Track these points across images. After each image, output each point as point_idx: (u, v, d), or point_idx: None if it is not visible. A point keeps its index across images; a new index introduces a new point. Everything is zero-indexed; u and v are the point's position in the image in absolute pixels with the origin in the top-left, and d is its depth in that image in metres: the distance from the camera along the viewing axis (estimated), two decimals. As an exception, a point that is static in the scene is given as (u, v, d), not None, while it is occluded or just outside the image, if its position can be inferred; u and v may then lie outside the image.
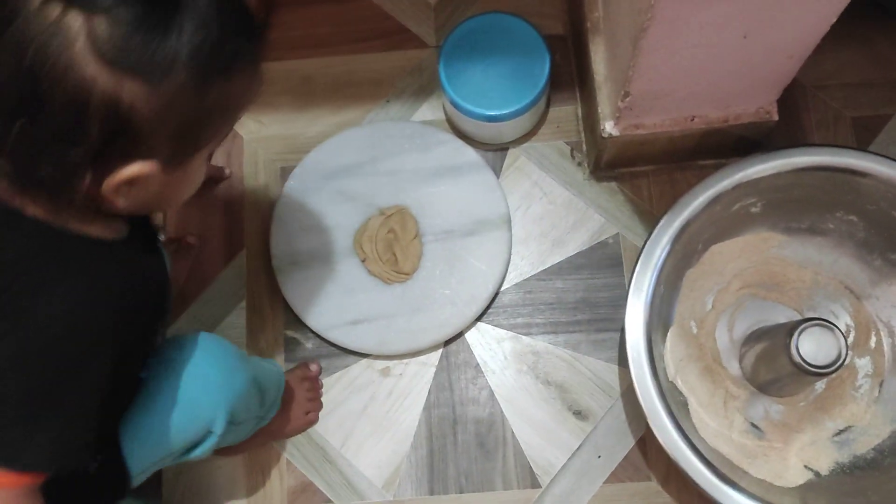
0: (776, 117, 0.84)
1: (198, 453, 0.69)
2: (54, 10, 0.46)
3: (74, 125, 0.48)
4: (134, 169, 0.51)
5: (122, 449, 0.65)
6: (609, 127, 0.84)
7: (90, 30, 0.46)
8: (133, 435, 0.65)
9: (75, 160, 0.49)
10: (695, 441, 0.78)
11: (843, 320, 0.88)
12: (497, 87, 0.90)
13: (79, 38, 0.46)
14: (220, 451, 0.79)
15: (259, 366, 0.78)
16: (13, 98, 0.47)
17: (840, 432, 0.85)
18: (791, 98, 0.95)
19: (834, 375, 0.86)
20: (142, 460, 0.66)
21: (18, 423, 0.54)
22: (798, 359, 0.75)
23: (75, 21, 0.46)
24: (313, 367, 0.91)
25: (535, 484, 0.88)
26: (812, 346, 0.75)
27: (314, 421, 0.90)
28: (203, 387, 0.67)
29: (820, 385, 0.86)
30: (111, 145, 0.49)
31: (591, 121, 0.91)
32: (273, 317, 0.94)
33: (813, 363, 0.74)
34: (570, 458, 0.88)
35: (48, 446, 0.55)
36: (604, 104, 0.85)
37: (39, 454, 0.54)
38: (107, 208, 0.54)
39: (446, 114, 0.98)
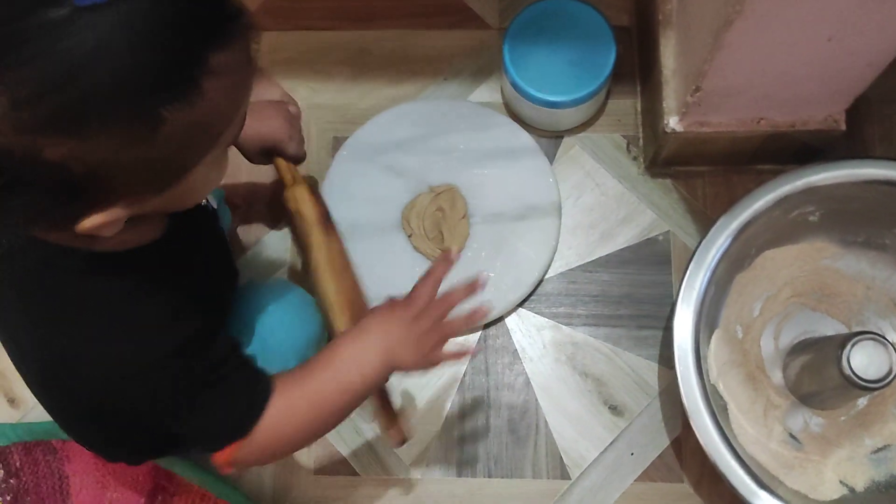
0: (843, 127, 0.83)
1: None
2: None
3: (6, 185, 0.42)
4: (94, 220, 0.46)
5: None
6: (673, 122, 0.83)
7: None
8: None
9: (23, 213, 0.45)
10: (734, 446, 0.77)
11: (891, 338, 0.86)
12: (559, 74, 0.89)
13: None
14: None
15: None
16: None
17: (878, 450, 0.84)
18: (856, 110, 0.93)
19: (877, 392, 0.85)
20: None
21: (94, 425, 0.61)
22: (849, 371, 0.74)
23: None
24: None
25: (564, 475, 0.87)
26: (863, 360, 0.74)
27: None
28: (276, 336, 0.69)
29: (862, 401, 0.85)
30: (61, 200, 0.44)
31: (651, 115, 0.90)
32: (314, 285, 0.93)
33: (863, 377, 0.73)
34: (602, 453, 0.88)
35: (127, 447, 0.64)
36: (669, 99, 0.84)
37: (123, 453, 0.65)
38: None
39: (504, 97, 0.97)
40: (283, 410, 0.57)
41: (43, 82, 0.39)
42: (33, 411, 0.91)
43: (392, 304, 0.64)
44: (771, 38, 0.66)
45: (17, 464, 0.87)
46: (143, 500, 0.86)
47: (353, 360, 0.60)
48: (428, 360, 0.63)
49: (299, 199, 0.79)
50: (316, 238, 0.78)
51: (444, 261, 0.65)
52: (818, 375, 0.81)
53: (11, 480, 0.87)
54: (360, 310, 0.77)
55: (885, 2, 0.60)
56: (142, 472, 0.87)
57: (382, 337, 0.61)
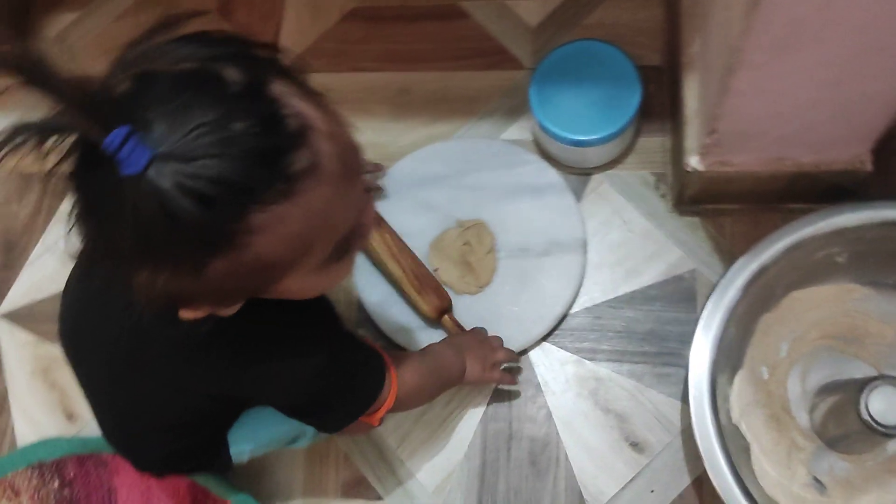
0: (870, 167, 0.82)
1: (296, 446, 0.82)
2: None
3: None
4: (189, 315, 0.51)
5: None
6: (694, 161, 0.84)
7: None
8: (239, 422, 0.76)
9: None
10: (751, 488, 0.77)
11: (925, 383, 0.84)
12: (586, 114, 0.91)
13: None
14: None
15: None
16: None
17: (909, 499, 0.81)
18: (888, 149, 0.91)
19: (907, 439, 0.83)
20: (242, 443, 0.78)
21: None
22: (866, 416, 0.72)
23: None
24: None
25: (583, 509, 0.88)
26: (882, 405, 0.72)
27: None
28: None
29: (892, 446, 0.83)
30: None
31: (677, 154, 0.91)
32: (346, 314, 0.98)
33: (882, 422, 0.72)
34: (621, 489, 0.88)
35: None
36: (691, 138, 0.85)
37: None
38: None
39: (534, 135, 1.00)
40: (409, 379, 0.74)
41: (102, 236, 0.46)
42: (88, 426, 0.98)
43: (472, 334, 0.89)
44: (776, 85, 0.67)
45: (71, 475, 0.94)
46: (182, 513, 0.91)
47: (451, 361, 0.83)
48: (485, 376, 0.85)
49: None
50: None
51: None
52: (842, 419, 0.79)
53: (65, 490, 0.94)
54: (426, 278, 0.92)
55: (884, 50, 0.60)
56: (182, 487, 0.92)
57: (466, 353, 0.84)
